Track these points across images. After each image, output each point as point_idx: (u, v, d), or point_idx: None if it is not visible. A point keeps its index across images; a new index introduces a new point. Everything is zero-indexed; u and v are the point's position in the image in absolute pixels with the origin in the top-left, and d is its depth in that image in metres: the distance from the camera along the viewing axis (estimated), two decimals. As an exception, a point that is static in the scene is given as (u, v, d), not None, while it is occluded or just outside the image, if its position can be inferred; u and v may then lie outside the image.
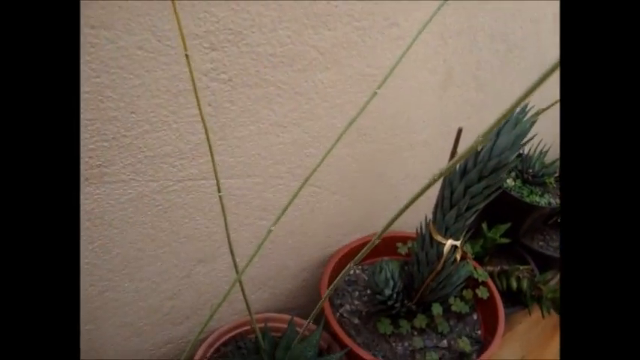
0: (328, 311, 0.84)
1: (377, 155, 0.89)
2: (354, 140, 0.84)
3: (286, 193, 0.78)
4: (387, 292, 0.81)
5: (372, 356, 0.78)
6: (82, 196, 0.59)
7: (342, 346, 0.80)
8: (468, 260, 0.95)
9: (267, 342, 0.76)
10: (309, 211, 0.85)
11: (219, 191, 0.54)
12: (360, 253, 0.50)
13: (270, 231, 0.54)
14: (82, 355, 0.73)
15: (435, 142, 1.00)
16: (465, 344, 0.84)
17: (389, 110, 0.85)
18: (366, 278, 0.97)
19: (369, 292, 0.94)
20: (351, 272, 0.96)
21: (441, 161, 1.02)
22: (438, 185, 0.75)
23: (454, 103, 0.97)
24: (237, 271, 0.64)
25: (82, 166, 0.57)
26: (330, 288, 0.62)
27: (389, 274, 0.80)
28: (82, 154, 0.56)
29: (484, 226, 1.14)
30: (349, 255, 0.95)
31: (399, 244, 1.00)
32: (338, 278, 0.58)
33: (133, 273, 0.70)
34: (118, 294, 0.71)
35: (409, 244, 1.00)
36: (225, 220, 0.55)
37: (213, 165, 0.51)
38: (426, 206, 0.97)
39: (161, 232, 0.69)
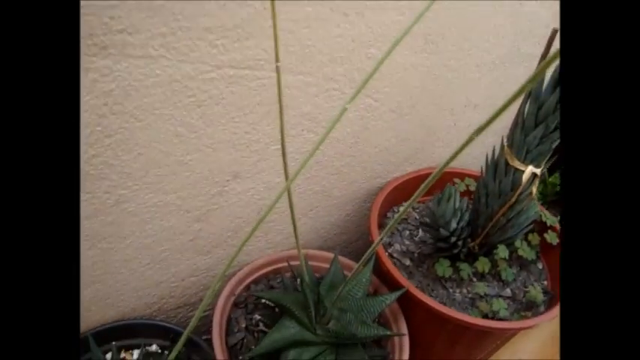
0: (380, 251, 0.72)
1: (441, 71, 0.75)
2: (419, 48, 0.70)
3: (340, 102, 0.65)
4: (453, 224, 0.68)
5: (431, 298, 0.66)
6: (98, 71, 0.46)
7: (395, 287, 0.68)
8: (535, 200, 0.82)
9: (310, 280, 0.64)
10: (362, 129, 0.71)
11: (277, 63, 0.41)
12: (423, 185, 0.40)
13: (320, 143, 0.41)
14: (95, 279, 0.61)
15: (503, 66, 0.86)
16: (537, 293, 0.72)
17: (462, 18, 0.71)
18: (417, 217, 0.84)
19: (421, 232, 0.81)
20: (401, 209, 0.84)
21: (507, 91, 0.88)
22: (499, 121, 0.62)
23: (528, 21, 0.83)
24: (286, 177, 0.51)
25: (99, 29, 0.44)
26: (387, 228, 0.50)
27: (457, 203, 0.68)
28: (99, 12, 0.43)
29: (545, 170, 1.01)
30: (400, 189, 0.82)
31: (457, 180, 0.87)
32: (397, 217, 0.46)
33: (155, 183, 0.57)
34: (138, 207, 0.58)
35: (466, 181, 0.87)
36: (280, 100, 0.42)
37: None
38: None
39: (192, 133, 0.56)
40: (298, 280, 0.70)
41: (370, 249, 0.53)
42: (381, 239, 0.53)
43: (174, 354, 0.48)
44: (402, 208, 0.83)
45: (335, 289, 0.66)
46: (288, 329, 0.62)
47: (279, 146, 0.62)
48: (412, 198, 0.43)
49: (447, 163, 0.37)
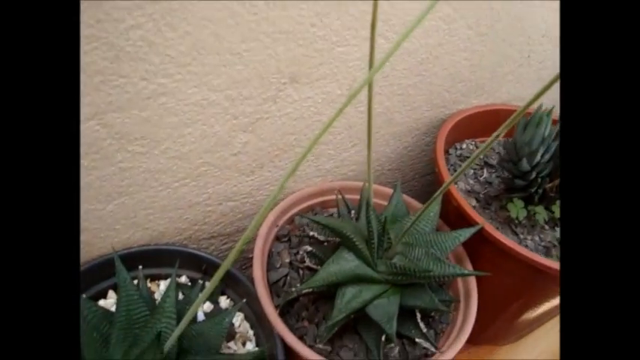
0: (453, 187, 0.62)
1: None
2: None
3: (419, 5, 0.55)
4: (538, 156, 0.58)
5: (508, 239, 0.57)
6: None
7: (468, 224, 0.58)
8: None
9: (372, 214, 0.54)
10: (436, 44, 0.61)
11: None
12: (509, 120, 0.35)
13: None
14: (122, 191, 0.52)
15: None
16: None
17: None
18: (482, 156, 0.74)
19: (486, 172, 0.72)
20: (464, 147, 0.74)
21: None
22: None
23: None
24: (370, 66, 0.41)
25: None
26: (467, 163, 0.41)
27: (547, 130, 0.58)
28: None
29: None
30: (464, 124, 0.72)
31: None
32: (478, 152, 0.38)
33: (202, 75, 0.47)
34: (178, 104, 0.48)
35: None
36: None
37: None
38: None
39: (252, 15, 0.46)
40: (352, 212, 0.60)
41: (442, 188, 0.45)
42: (460, 173, 0.43)
43: (212, 286, 0.39)
44: (464, 146, 0.74)
45: (398, 223, 0.57)
46: (347, 262, 0.52)
47: (346, 48, 0.52)
48: (498, 131, 0.36)
49: (537, 96, 0.32)
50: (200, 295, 0.40)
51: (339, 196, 0.61)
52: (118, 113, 0.46)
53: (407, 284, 0.54)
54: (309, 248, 0.56)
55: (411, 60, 0.60)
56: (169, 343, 0.45)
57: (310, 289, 0.54)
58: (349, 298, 0.51)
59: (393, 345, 0.56)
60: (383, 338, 0.54)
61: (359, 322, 0.55)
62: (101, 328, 0.48)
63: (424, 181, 0.81)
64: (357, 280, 0.52)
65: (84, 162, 0.48)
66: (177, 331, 0.43)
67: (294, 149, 0.59)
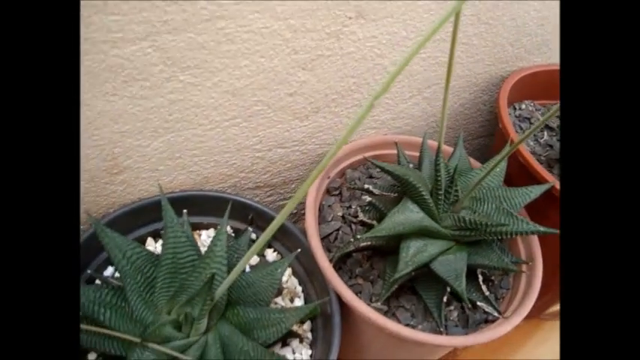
0: (522, 146, 0.58)
1: None
2: None
3: None
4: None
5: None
6: None
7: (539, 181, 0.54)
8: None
9: (442, 162, 0.50)
10: (508, -13, 0.56)
11: None
12: None
13: None
14: (169, 128, 0.48)
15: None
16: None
17: None
18: (540, 117, 0.70)
19: (546, 134, 0.67)
20: (523, 107, 0.69)
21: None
22: None
23: None
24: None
25: None
26: (539, 123, 0.36)
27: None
28: None
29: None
30: (525, 83, 0.67)
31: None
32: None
33: (267, -3, 0.43)
34: (237, 31, 0.44)
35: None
36: None
37: None
38: None
39: None
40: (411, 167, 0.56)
41: (512, 146, 0.41)
42: (536, 129, 0.39)
43: (268, 235, 0.35)
44: (522, 106, 0.69)
45: (463, 177, 0.52)
46: (413, 213, 0.48)
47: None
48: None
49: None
50: (253, 244, 0.36)
51: (398, 148, 0.56)
52: (172, 35, 0.42)
53: (472, 242, 0.50)
54: (368, 198, 0.52)
55: (478, 5, 0.56)
56: (221, 289, 0.41)
57: (368, 243, 0.50)
58: (414, 252, 0.47)
59: (452, 308, 0.52)
60: (444, 299, 0.50)
61: (418, 281, 0.51)
62: (145, 271, 0.44)
63: (475, 144, 0.77)
64: (422, 233, 0.48)
65: (132, 90, 0.44)
66: (232, 275, 0.39)
67: (353, 95, 0.55)
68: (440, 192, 0.48)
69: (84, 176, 0.48)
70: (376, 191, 0.55)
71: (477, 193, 0.51)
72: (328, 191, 0.57)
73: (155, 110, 0.46)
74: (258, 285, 0.47)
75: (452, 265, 0.47)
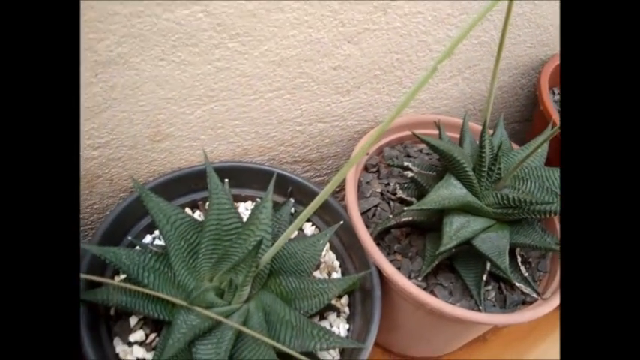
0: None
1: None
2: None
3: None
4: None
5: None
6: None
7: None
8: None
9: (487, 138, 0.50)
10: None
11: None
12: None
13: None
14: (214, 96, 0.48)
15: None
16: None
17: None
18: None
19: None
20: (557, 93, 0.68)
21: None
22: None
23: None
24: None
25: None
26: None
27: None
28: None
29: None
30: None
31: None
32: None
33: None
34: (285, 1, 0.44)
35: None
36: None
37: None
38: None
39: None
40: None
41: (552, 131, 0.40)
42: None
43: (314, 206, 0.34)
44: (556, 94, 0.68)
45: (505, 157, 0.52)
46: (457, 189, 0.48)
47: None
48: None
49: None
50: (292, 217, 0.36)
51: (440, 126, 0.56)
52: (224, 1, 0.42)
53: (513, 221, 0.50)
54: (410, 174, 0.52)
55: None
56: (267, 256, 0.41)
57: (409, 218, 0.50)
58: (458, 227, 0.47)
59: (489, 288, 0.51)
60: (484, 277, 0.50)
61: (456, 259, 0.51)
62: (189, 237, 0.44)
63: (510, 129, 0.76)
64: (465, 210, 0.48)
65: (180, 55, 0.44)
66: (280, 241, 0.39)
67: (395, 72, 0.54)
68: (483, 169, 0.48)
69: (127, 142, 0.48)
70: (415, 169, 0.54)
71: (519, 172, 0.50)
72: (366, 168, 0.57)
73: (201, 77, 0.46)
74: (300, 255, 0.47)
75: (494, 242, 0.47)
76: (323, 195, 0.34)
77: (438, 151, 0.48)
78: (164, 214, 0.44)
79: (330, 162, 0.62)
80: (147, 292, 0.43)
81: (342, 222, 0.49)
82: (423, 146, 0.61)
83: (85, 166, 0.48)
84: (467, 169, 0.47)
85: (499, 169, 0.49)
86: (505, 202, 0.47)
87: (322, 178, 0.64)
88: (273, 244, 0.43)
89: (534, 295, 0.51)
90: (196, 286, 0.43)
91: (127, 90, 0.44)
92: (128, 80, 0.44)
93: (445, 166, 0.51)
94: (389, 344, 0.59)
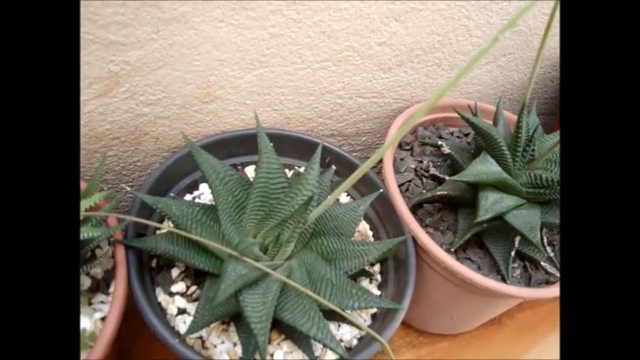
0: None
1: None
2: None
3: None
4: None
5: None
6: None
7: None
8: None
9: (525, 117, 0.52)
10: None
11: None
12: None
13: None
14: (264, 62, 0.49)
15: None
16: None
17: None
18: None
19: None
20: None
21: None
22: None
23: None
24: None
25: None
26: None
27: None
28: None
29: None
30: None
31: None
32: None
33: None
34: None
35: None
36: None
37: None
38: None
39: None
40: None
41: None
42: None
43: (357, 176, 0.36)
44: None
45: (538, 141, 0.54)
46: (493, 165, 0.50)
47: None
48: None
49: None
50: (344, 182, 0.37)
51: (475, 106, 0.58)
52: (285, -32, 0.43)
53: (544, 202, 0.52)
54: (447, 150, 0.53)
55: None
56: (315, 214, 0.42)
57: (444, 192, 0.52)
58: (493, 201, 0.49)
59: (515, 265, 0.53)
60: (512, 253, 0.52)
61: (486, 235, 0.53)
62: (236, 194, 0.46)
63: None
64: (499, 187, 0.50)
65: (239, 18, 0.45)
66: (330, 199, 0.41)
67: (435, 53, 0.56)
68: (518, 149, 0.50)
69: (177, 101, 0.49)
70: (447, 149, 0.56)
71: (551, 155, 0.52)
72: (400, 145, 0.59)
73: (255, 42, 0.48)
74: (341, 219, 0.48)
75: (526, 218, 0.49)
76: (369, 163, 0.35)
77: (477, 129, 0.50)
78: (214, 169, 0.45)
79: (364, 138, 0.63)
80: (194, 242, 0.44)
81: (381, 190, 0.51)
82: (454, 129, 0.62)
83: (134, 122, 0.49)
84: (503, 147, 0.49)
85: (533, 150, 0.51)
86: (538, 181, 0.49)
87: (356, 154, 0.65)
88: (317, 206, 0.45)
89: (558, 274, 0.52)
90: (241, 241, 0.44)
91: (184, 49, 0.46)
92: (187, 39, 0.45)
93: (480, 145, 0.53)
94: (409, 318, 0.61)
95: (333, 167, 0.54)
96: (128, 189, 0.55)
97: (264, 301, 0.41)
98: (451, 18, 0.54)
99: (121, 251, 0.42)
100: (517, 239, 0.52)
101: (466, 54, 0.58)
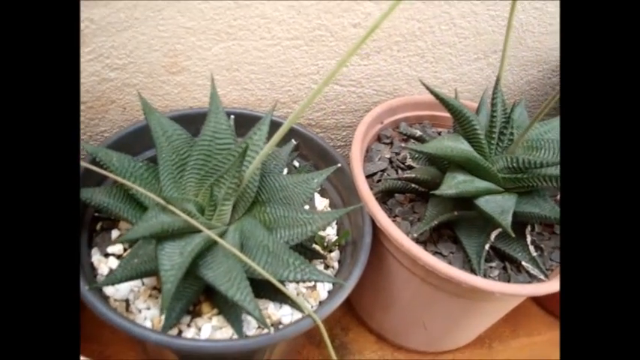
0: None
1: None
2: None
3: None
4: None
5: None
6: None
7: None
8: None
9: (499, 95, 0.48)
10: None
11: None
12: None
13: None
14: (233, 35, 0.49)
15: None
16: None
17: None
18: None
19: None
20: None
21: None
22: None
23: None
24: None
25: None
26: None
27: None
28: None
29: None
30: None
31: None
32: None
33: None
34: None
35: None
36: None
37: None
38: None
39: None
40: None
41: None
42: None
43: (283, 132, 0.33)
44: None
45: (521, 130, 0.49)
46: (463, 144, 0.46)
47: None
48: None
49: None
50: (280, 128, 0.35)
51: (456, 93, 0.54)
52: None
53: (525, 192, 0.46)
54: (418, 133, 0.50)
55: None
56: (250, 170, 0.40)
57: (412, 175, 0.48)
58: (461, 180, 0.44)
59: (493, 265, 0.47)
60: (486, 247, 0.46)
61: (459, 226, 0.48)
62: (182, 152, 0.44)
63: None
64: (471, 169, 0.45)
65: (203, -17, 0.46)
66: (264, 151, 0.38)
67: (416, 42, 0.54)
68: (494, 130, 0.46)
69: (144, 69, 0.49)
70: (427, 139, 0.52)
71: (533, 143, 0.47)
72: (379, 138, 0.56)
73: (221, 11, 0.47)
74: (291, 190, 0.45)
75: (499, 203, 0.44)
76: (307, 102, 0.33)
77: (448, 106, 0.46)
78: (162, 127, 0.44)
79: (344, 133, 0.61)
80: (132, 198, 0.42)
81: (339, 164, 0.48)
82: (442, 129, 0.59)
83: (101, 87, 0.49)
84: (476, 127, 0.45)
85: (511, 133, 0.47)
86: (514, 164, 0.45)
87: (338, 150, 0.62)
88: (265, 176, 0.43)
89: (541, 276, 0.46)
90: (177, 197, 0.42)
91: (148, 11, 0.46)
92: (151, 1, 0.45)
93: (456, 130, 0.49)
94: (383, 329, 0.55)
95: (293, 141, 0.51)
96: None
97: (181, 252, 0.38)
98: (431, 3, 0.52)
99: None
100: (494, 233, 0.47)
101: (451, 45, 0.56)
